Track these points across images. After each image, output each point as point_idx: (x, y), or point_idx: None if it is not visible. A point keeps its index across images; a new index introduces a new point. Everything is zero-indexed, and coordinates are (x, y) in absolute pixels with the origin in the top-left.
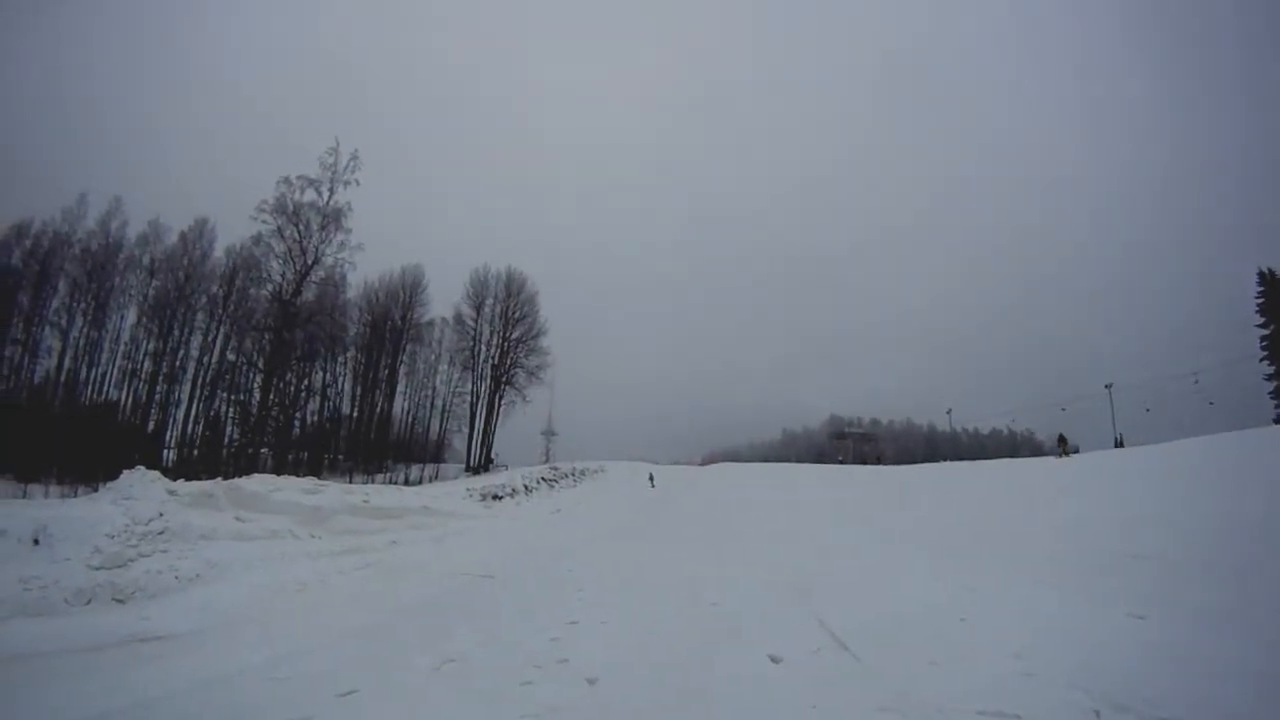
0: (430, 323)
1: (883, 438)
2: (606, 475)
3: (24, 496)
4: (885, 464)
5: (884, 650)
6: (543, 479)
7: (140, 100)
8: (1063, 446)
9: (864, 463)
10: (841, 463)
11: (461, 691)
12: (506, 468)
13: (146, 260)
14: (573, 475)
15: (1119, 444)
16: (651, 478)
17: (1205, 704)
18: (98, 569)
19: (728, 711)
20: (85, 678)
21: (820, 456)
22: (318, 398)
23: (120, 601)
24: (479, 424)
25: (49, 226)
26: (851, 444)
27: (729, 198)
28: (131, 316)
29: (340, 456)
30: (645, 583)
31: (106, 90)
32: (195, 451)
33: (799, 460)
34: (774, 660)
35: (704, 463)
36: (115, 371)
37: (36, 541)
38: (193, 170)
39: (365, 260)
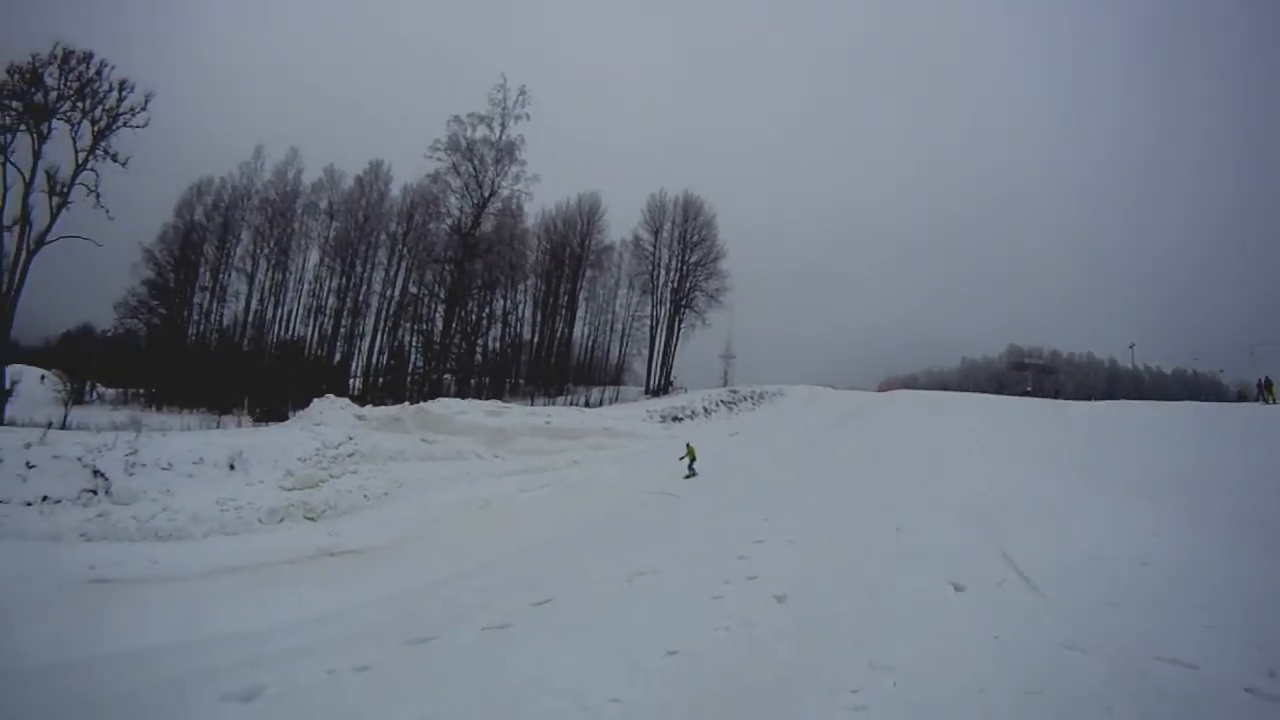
0: (609, 248)
1: (1062, 370)
2: (785, 399)
3: (218, 427)
4: (1064, 398)
5: (1066, 587)
6: (721, 402)
7: (309, 54)
8: (1267, 392)
9: (1042, 396)
10: (1029, 394)
11: (654, 602)
12: (686, 390)
13: (324, 204)
14: (751, 399)
15: None
16: (690, 461)
17: None
18: (290, 490)
19: (912, 636)
20: (280, 588)
21: (999, 387)
22: (499, 324)
23: (311, 520)
24: (658, 347)
25: (228, 181)
26: (1030, 376)
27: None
28: (314, 257)
29: (521, 381)
30: (827, 505)
31: (281, 46)
32: (380, 380)
33: (977, 390)
34: (957, 588)
35: (881, 389)
36: (300, 309)
37: (232, 467)
38: (363, 116)
39: (542, 190)
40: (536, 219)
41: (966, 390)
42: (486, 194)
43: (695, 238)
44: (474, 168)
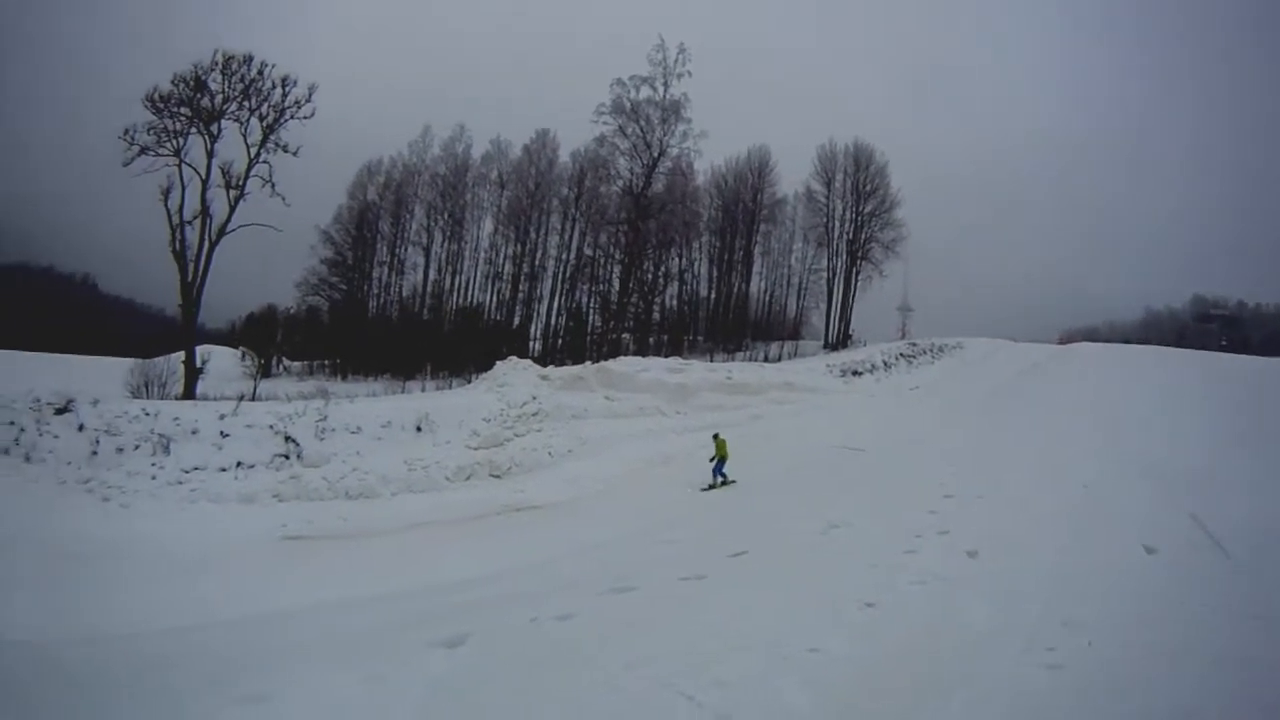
0: (781, 201)
1: (1248, 322)
2: (964, 352)
3: (403, 393)
4: (1254, 353)
5: (1261, 556)
6: (900, 355)
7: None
8: None
9: (1229, 349)
10: (1225, 347)
11: (848, 555)
12: (864, 344)
13: (494, 175)
14: (930, 352)
15: None
16: (719, 464)
17: None
18: (476, 449)
19: (1104, 596)
20: (470, 543)
21: (1181, 339)
22: (675, 282)
23: (497, 477)
24: (835, 300)
25: (397, 160)
26: (1217, 328)
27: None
28: (488, 226)
29: (700, 337)
30: (1012, 460)
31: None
32: (559, 341)
33: (1160, 344)
34: (1148, 550)
35: (1061, 341)
36: (478, 277)
37: (420, 429)
38: (526, 86)
39: (710, 145)
40: (707, 176)
41: (1149, 343)
42: (655, 154)
43: (868, 187)
44: (640, 129)
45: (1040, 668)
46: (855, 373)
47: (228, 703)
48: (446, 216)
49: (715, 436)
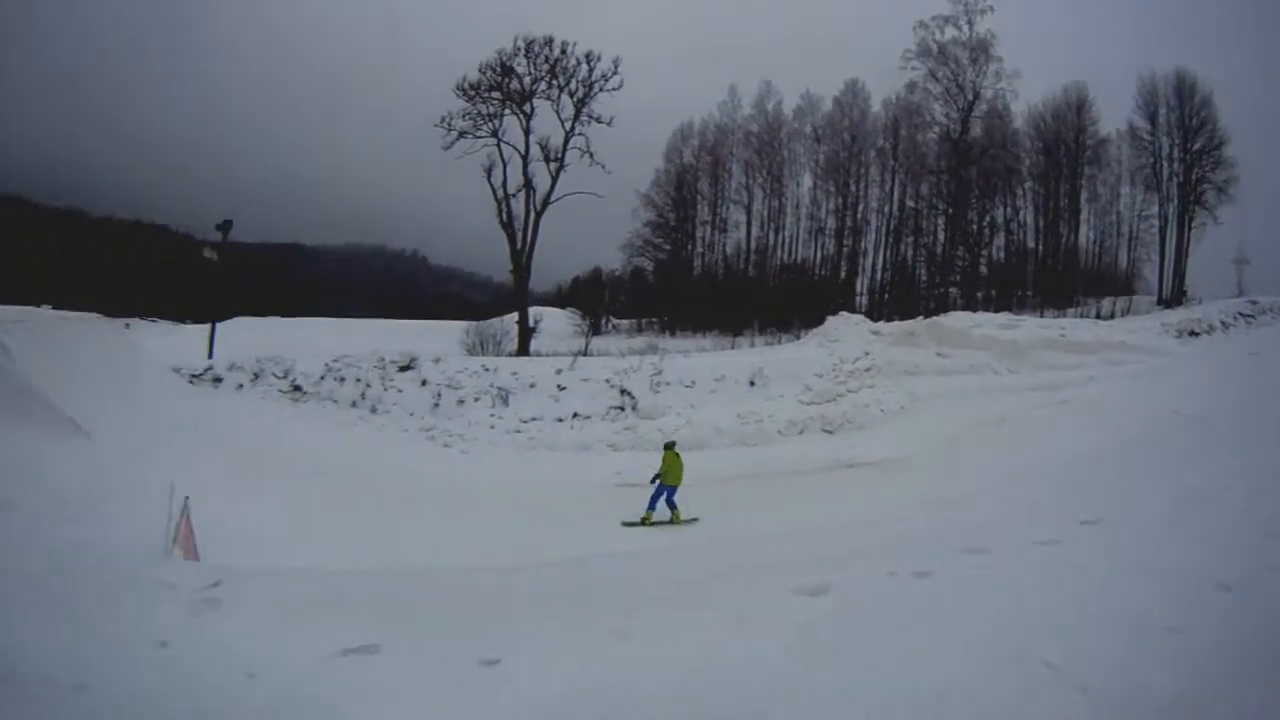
0: (1105, 141)
1: None
2: None
3: (732, 348)
4: None
5: None
6: (1239, 314)
7: None
8: None
9: None
10: None
11: (1203, 531)
12: (1200, 301)
13: (809, 129)
14: (1272, 311)
15: None
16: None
17: None
18: (808, 404)
19: None
20: (806, 496)
21: None
22: (1001, 233)
23: (829, 432)
24: (1168, 252)
25: (709, 122)
26: None
27: None
28: (807, 181)
29: (1029, 292)
30: None
31: None
32: (885, 296)
33: None
34: None
35: None
36: (800, 233)
37: (752, 383)
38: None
39: (1024, 86)
40: (1023, 116)
41: None
42: (970, 97)
43: (1194, 122)
44: (950, 71)
45: None
46: (1192, 333)
47: (597, 636)
48: (765, 174)
49: (668, 448)
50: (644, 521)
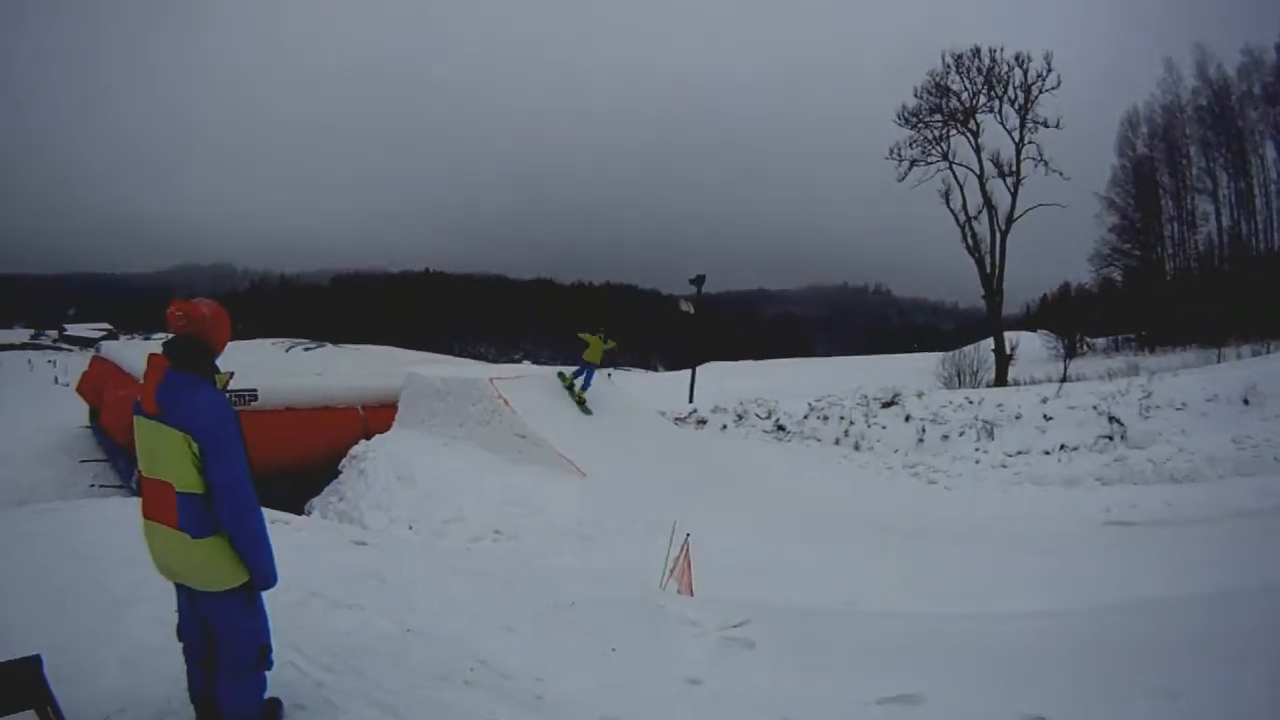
0: None
1: None
2: None
3: (1218, 361)
4: None
5: None
6: None
7: None
8: None
9: None
10: None
11: None
12: None
13: (1257, 89)
14: None
15: None
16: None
17: None
18: None
19: None
20: None
21: None
22: None
23: None
24: None
25: (1153, 103)
26: None
27: None
28: (1269, 152)
29: None
30: None
31: None
32: None
33: None
34: None
35: None
36: (1274, 215)
37: (1246, 401)
38: None
39: None
40: None
41: None
42: None
43: None
44: None
45: None
46: None
47: (1139, 694)
48: (1225, 152)
49: (594, 336)
50: (579, 401)
